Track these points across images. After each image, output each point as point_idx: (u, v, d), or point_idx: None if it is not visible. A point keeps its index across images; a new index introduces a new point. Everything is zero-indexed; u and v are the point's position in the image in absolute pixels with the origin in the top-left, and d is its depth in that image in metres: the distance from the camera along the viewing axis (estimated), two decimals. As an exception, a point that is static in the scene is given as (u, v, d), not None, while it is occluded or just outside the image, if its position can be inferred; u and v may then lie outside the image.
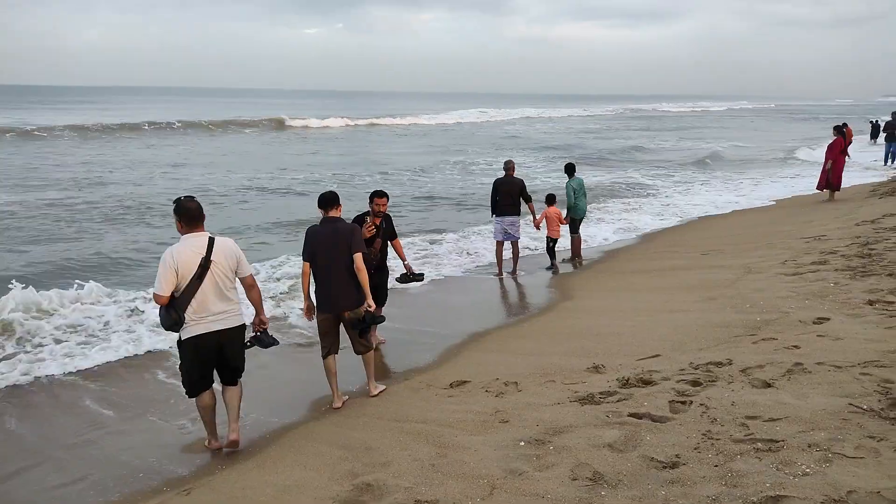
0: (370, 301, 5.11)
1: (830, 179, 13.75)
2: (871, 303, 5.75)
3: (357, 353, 5.25)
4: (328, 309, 5.07)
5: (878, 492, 2.72)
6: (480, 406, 4.62)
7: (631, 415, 3.97)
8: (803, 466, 3.05)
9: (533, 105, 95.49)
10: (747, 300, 6.48)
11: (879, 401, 3.65)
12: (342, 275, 5.00)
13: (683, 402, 4.04)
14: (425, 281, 6.85)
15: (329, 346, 5.12)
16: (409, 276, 6.65)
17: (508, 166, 9.42)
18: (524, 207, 9.39)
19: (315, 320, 5.22)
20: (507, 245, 9.36)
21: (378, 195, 6.14)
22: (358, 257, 4.99)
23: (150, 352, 6.45)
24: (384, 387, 5.33)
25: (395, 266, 6.93)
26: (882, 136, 23.24)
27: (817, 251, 8.33)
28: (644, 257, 10.19)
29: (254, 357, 4.83)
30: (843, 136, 14.00)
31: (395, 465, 3.81)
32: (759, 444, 3.34)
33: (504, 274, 9.34)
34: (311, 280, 5.16)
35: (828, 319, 5.43)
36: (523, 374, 5.29)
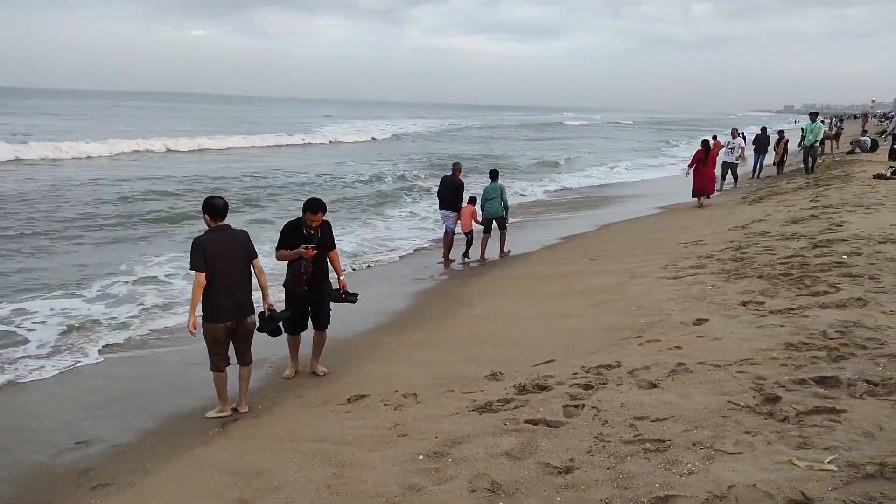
0: (270, 301, 5.27)
1: (695, 187, 15.08)
2: (744, 304, 6.17)
3: (245, 364, 5.20)
4: (232, 317, 4.99)
5: (754, 484, 2.87)
6: (379, 420, 4.51)
7: (527, 421, 4.01)
8: (689, 465, 3.18)
9: (427, 114, 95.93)
10: (633, 304, 6.78)
11: (754, 397, 3.89)
12: (245, 282, 5.05)
13: (576, 406, 4.13)
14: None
15: (223, 356, 5.06)
16: (342, 296, 5.82)
17: (455, 168, 10.96)
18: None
19: (204, 331, 4.99)
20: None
21: (311, 209, 5.46)
22: (257, 262, 5.13)
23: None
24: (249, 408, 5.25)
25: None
26: (751, 148, 25.34)
27: (695, 255, 8.88)
28: (539, 263, 10.45)
29: (132, 379, 4.48)
30: (707, 147, 15.20)
31: (289, 489, 3.63)
32: (648, 445, 3.46)
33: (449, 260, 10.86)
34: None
35: (706, 320, 5.77)
36: (423, 384, 5.24)
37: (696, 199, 15.11)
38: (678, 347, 5.07)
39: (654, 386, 4.32)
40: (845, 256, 7.18)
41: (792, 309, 5.66)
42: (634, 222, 13.88)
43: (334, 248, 5.88)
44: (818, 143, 19.03)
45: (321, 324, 5.83)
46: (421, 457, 3.75)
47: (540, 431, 3.83)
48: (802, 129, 18.55)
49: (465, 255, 10.92)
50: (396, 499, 3.31)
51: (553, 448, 3.58)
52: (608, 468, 3.27)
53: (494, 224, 11.08)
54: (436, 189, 12.37)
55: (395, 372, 5.74)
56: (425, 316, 7.75)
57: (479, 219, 10.94)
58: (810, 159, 18.06)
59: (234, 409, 5.14)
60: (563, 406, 4.16)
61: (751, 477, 2.95)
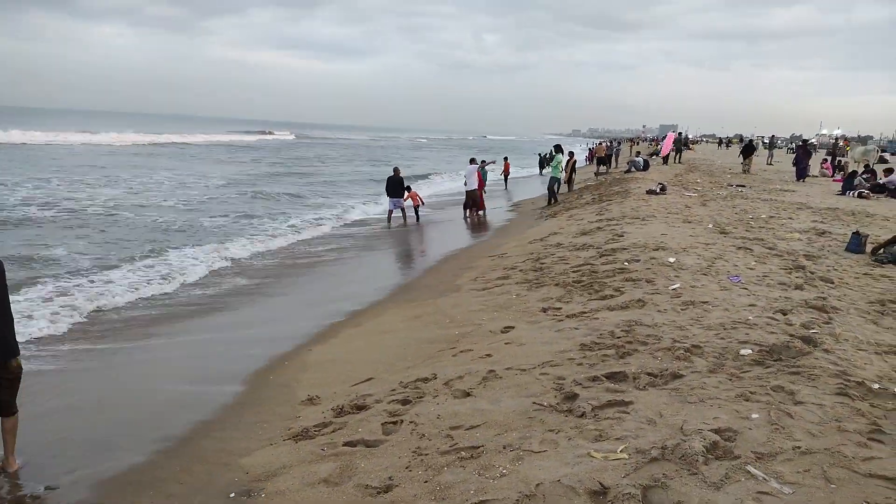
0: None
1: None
2: (544, 310, 6.64)
3: (10, 414, 4.23)
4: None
5: (559, 480, 3.06)
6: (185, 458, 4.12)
7: (346, 444, 3.91)
8: (500, 468, 3.30)
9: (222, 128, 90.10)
10: (447, 316, 6.99)
11: (555, 396, 4.17)
12: (9, 316, 4.15)
13: (395, 423, 4.12)
14: None
15: None
16: None
17: (396, 171, 17.13)
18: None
19: None
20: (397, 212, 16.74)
21: None
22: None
23: None
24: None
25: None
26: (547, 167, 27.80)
27: (501, 267, 9.42)
28: (359, 282, 10.39)
29: None
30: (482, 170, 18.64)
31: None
32: (463, 453, 3.54)
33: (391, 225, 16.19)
34: None
35: (513, 328, 6.11)
36: (233, 415, 4.89)
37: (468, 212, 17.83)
38: (489, 355, 5.30)
39: (468, 394, 4.45)
40: (626, 263, 8.06)
41: (585, 312, 6.20)
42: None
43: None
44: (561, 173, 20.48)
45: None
46: (232, 495, 3.49)
47: (359, 453, 3.75)
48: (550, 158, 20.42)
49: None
50: (203, 546, 3.03)
51: (372, 468, 3.53)
52: (426, 481, 3.29)
53: None
54: None
55: (202, 405, 5.30)
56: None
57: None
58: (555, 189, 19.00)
59: (1, 468, 4.35)
60: (382, 424, 4.13)
61: (555, 473, 3.14)
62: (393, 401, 4.54)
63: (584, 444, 3.45)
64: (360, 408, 4.51)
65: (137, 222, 14.98)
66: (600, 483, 2.98)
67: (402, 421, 4.12)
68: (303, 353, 6.28)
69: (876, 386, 3.89)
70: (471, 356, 5.40)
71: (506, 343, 5.62)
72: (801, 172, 22.99)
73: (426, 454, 3.60)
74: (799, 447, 3.15)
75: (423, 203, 18.05)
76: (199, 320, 7.76)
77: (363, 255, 12.30)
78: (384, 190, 17.38)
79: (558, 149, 20.30)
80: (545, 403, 4.07)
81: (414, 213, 17.27)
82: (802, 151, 24.06)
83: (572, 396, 4.12)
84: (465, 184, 18.04)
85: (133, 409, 5.16)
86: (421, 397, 4.54)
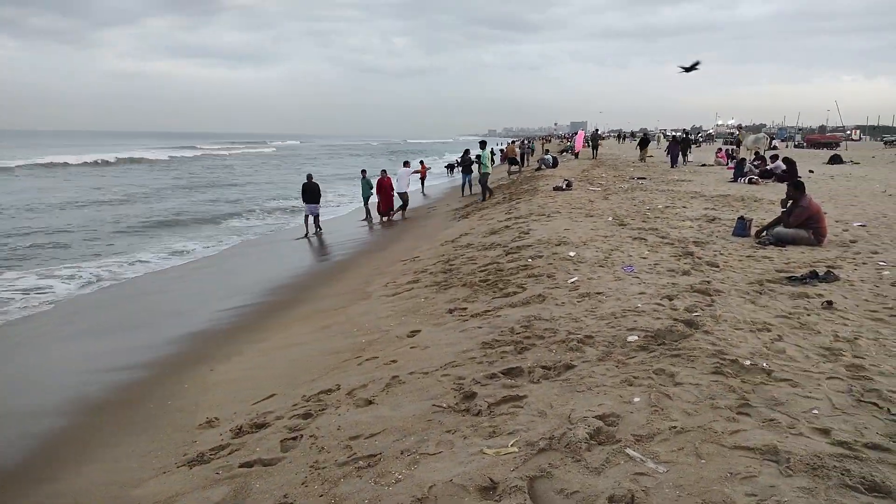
0: None
1: (382, 208, 18.97)
2: (451, 311, 6.72)
3: None
4: None
5: (451, 480, 3.10)
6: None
7: (242, 465, 3.81)
8: (396, 474, 3.31)
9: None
10: (355, 324, 6.95)
11: (455, 397, 4.23)
12: None
13: (294, 438, 4.06)
14: None
15: None
16: None
17: (309, 177, 17.42)
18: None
19: None
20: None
21: None
22: None
23: None
24: None
25: None
26: (458, 169, 28.18)
27: (412, 271, 9.46)
28: (268, 294, 10.16)
29: None
30: (385, 175, 19.53)
31: None
32: (361, 462, 3.53)
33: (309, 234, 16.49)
34: None
35: (419, 331, 6.15)
36: (123, 445, 4.68)
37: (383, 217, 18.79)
38: (394, 361, 5.31)
39: (370, 402, 4.44)
40: (530, 259, 8.28)
41: (488, 311, 6.32)
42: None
43: None
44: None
45: None
46: (118, 531, 3.34)
47: (254, 473, 3.67)
48: (478, 157, 21.12)
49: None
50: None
51: (267, 488, 3.46)
52: (321, 495, 3.26)
53: None
54: None
55: (94, 438, 5.04)
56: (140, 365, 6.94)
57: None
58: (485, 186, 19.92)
59: None
60: (281, 441, 4.06)
61: (448, 473, 3.19)
62: (294, 416, 4.47)
63: (479, 441, 3.52)
64: (260, 426, 4.42)
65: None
66: (490, 479, 3.05)
67: (301, 436, 4.07)
68: (204, 373, 6.08)
69: (748, 362, 4.17)
70: (376, 363, 5.39)
71: (411, 347, 5.65)
72: (674, 160, 27.47)
73: (324, 467, 3.57)
74: (675, 427, 3.34)
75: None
76: (80, 342, 7.37)
77: (272, 263, 12.05)
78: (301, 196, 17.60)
79: (483, 144, 20.64)
80: (444, 405, 4.12)
81: (315, 224, 17.24)
82: (673, 142, 29.66)
83: (471, 395, 4.20)
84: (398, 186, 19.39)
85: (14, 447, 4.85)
86: (323, 410, 4.50)
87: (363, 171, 20.76)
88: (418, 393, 4.45)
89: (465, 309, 6.65)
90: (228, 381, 5.80)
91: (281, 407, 4.78)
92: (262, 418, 4.57)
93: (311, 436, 4.03)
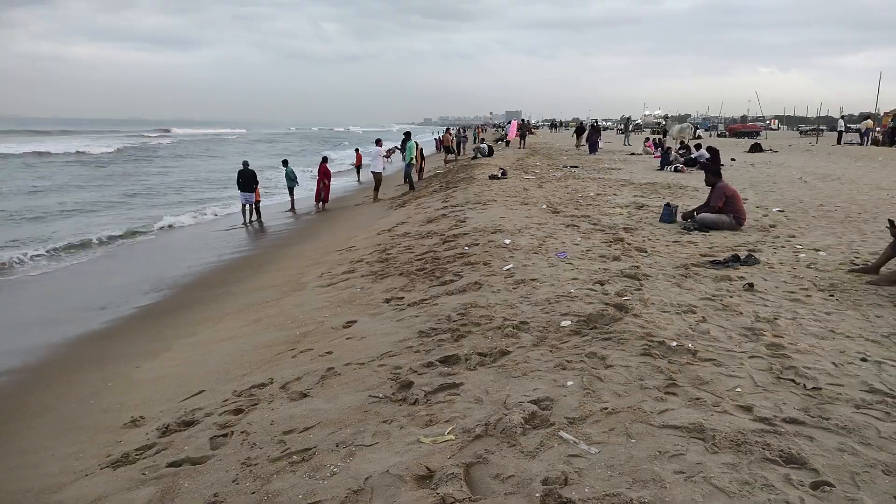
0: None
1: (323, 196, 18.80)
2: (387, 301, 6.66)
3: None
4: None
5: (388, 470, 3.07)
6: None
7: (169, 465, 3.66)
8: (332, 467, 3.25)
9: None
10: (289, 316, 6.80)
11: (391, 387, 4.19)
12: None
13: (225, 435, 3.92)
14: None
15: None
16: None
17: (245, 164, 17.20)
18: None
19: None
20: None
21: None
22: None
23: None
24: None
25: None
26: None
27: (347, 261, 9.33)
28: (198, 288, 9.81)
29: None
30: (325, 162, 19.50)
31: None
32: (295, 457, 3.45)
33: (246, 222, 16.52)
34: None
35: (355, 322, 6.07)
36: (42, 448, 4.42)
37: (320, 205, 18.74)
38: (329, 353, 5.22)
39: (305, 395, 4.35)
40: (466, 248, 8.31)
41: (425, 300, 6.30)
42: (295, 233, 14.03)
43: None
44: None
45: None
46: (34, 540, 3.14)
47: (183, 472, 3.53)
48: (398, 147, 21.17)
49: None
50: None
51: (196, 487, 3.33)
52: (254, 492, 3.16)
53: None
54: None
55: None
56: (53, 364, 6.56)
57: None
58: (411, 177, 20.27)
59: None
60: (211, 438, 3.91)
61: (385, 464, 3.15)
62: (225, 412, 4.33)
63: (416, 431, 3.50)
64: (189, 424, 4.25)
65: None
66: (426, 468, 3.04)
67: (232, 432, 3.93)
68: (128, 371, 5.82)
69: (674, 344, 4.31)
70: (311, 356, 5.28)
71: (347, 338, 5.56)
72: (593, 146, 30.54)
73: (256, 464, 3.46)
74: (606, 408, 3.42)
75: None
76: None
77: (204, 255, 11.66)
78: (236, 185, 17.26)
79: (408, 136, 20.57)
80: (381, 395, 4.07)
81: (254, 212, 17.12)
82: (592, 129, 33.48)
83: (408, 385, 4.17)
84: (371, 165, 19.51)
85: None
86: (255, 405, 4.37)
87: (284, 161, 20.15)
88: (354, 384, 4.39)
89: (402, 298, 6.61)
90: (155, 379, 5.57)
91: (211, 403, 4.62)
92: (190, 416, 4.40)
93: (242, 432, 3.91)
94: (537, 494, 2.67)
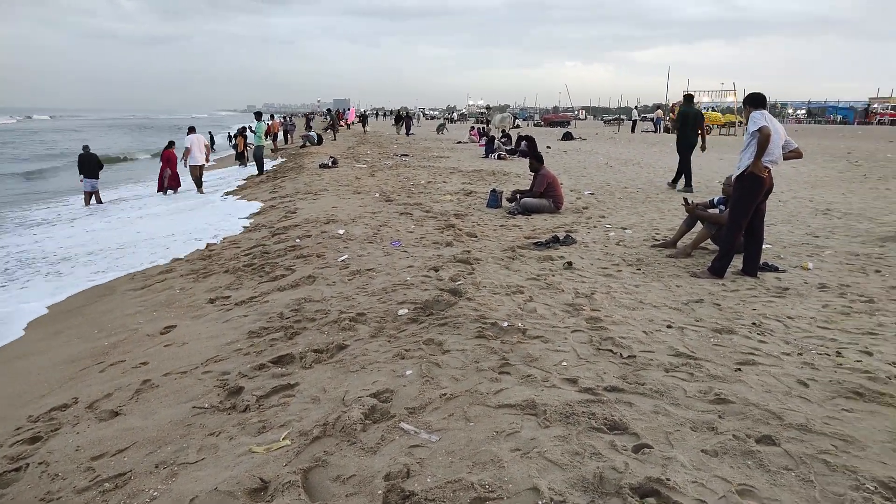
0: None
1: (168, 183, 17.17)
2: (212, 301, 6.20)
3: None
4: None
5: (216, 488, 2.81)
6: None
7: (-57, 515, 3.07)
8: (150, 491, 2.92)
9: None
10: (96, 325, 6.07)
11: (218, 395, 3.88)
12: None
13: (18, 469, 3.37)
14: None
15: None
16: None
17: (86, 148, 16.08)
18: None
19: None
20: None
21: None
22: None
23: None
24: None
25: None
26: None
27: (162, 261, 8.55)
28: None
29: None
30: (172, 147, 17.45)
31: None
32: (107, 485, 3.05)
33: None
34: None
35: (174, 326, 5.56)
36: None
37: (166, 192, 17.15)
38: (144, 363, 4.72)
39: (117, 414, 3.88)
40: (298, 240, 7.99)
41: (255, 297, 5.95)
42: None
43: None
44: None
45: None
46: None
47: (-39, 522, 2.98)
48: (251, 128, 20.13)
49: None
50: None
51: (-21, 537, 2.83)
52: (55, 533, 2.75)
53: None
54: None
55: None
56: None
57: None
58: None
59: None
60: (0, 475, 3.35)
61: (213, 481, 2.88)
62: (17, 442, 3.73)
63: (247, 440, 3.25)
64: (-31, 462, 3.60)
65: None
66: (260, 479, 2.82)
67: (28, 465, 3.39)
68: None
69: (505, 324, 4.45)
70: (122, 368, 4.74)
71: (165, 346, 5.08)
72: (407, 130, 37.20)
73: (58, 498, 3.01)
74: (445, 394, 3.43)
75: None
76: None
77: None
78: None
79: (259, 116, 19.13)
80: (206, 405, 3.75)
81: (97, 200, 15.98)
82: (406, 117, 40.85)
83: (237, 391, 3.88)
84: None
85: None
86: (56, 430, 3.82)
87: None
88: (175, 396, 4.01)
89: (229, 297, 6.18)
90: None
91: (1, 434, 3.95)
92: (-29, 452, 3.73)
93: (41, 462, 3.39)
94: (379, 491, 2.59)
